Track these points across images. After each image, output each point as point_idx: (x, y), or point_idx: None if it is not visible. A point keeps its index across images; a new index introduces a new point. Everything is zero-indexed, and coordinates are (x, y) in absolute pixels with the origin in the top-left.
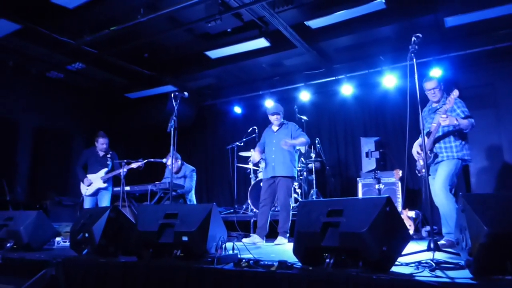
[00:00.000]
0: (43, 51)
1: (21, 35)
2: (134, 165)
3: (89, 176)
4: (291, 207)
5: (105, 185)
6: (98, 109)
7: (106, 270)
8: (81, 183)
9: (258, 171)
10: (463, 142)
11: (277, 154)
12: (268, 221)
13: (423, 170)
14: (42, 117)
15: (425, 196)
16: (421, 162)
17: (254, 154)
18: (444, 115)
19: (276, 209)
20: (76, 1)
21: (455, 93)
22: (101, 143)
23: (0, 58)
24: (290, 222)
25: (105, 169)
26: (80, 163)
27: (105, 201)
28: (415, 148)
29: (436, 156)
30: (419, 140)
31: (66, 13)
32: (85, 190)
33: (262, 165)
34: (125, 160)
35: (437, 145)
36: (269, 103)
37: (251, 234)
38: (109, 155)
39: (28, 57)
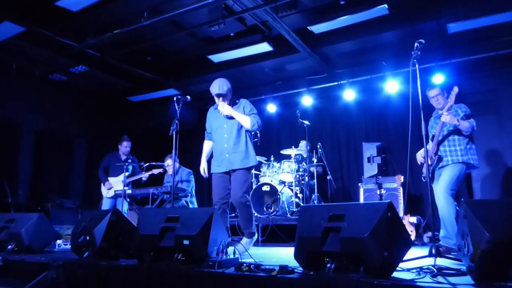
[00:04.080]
0: (46, 53)
1: (25, 38)
2: (155, 172)
3: (110, 180)
4: (249, 204)
5: (125, 188)
6: (101, 112)
7: (107, 273)
8: (102, 185)
9: (259, 175)
10: (468, 146)
11: (231, 143)
12: (228, 225)
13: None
14: (44, 119)
15: (428, 201)
16: None
17: (202, 163)
18: (446, 113)
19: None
20: (80, 4)
21: (455, 89)
22: (125, 146)
23: (4, 61)
24: (254, 219)
25: (126, 173)
26: (102, 166)
27: (123, 202)
28: (420, 153)
29: (440, 159)
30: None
31: (70, 16)
32: (106, 192)
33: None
34: (146, 165)
35: (441, 148)
36: (271, 107)
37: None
38: (130, 159)
39: (31, 59)
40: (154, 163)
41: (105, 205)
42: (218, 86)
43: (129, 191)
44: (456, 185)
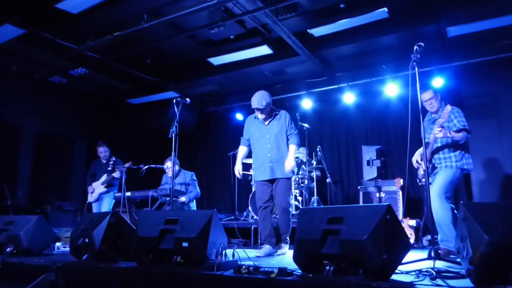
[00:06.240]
0: (46, 56)
1: (25, 40)
2: (126, 165)
3: (93, 184)
4: (290, 210)
5: (105, 189)
6: (100, 114)
7: (106, 276)
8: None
9: None
10: (463, 152)
11: (275, 152)
12: (273, 225)
13: (424, 180)
14: (44, 122)
15: (426, 205)
16: (421, 171)
17: (237, 165)
18: (439, 129)
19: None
20: (80, 6)
21: (448, 107)
22: (100, 152)
23: (4, 63)
24: (291, 226)
25: (106, 175)
26: (89, 174)
27: (105, 204)
28: (415, 157)
29: (434, 167)
30: (421, 149)
31: (70, 18)
32: (90, 197)
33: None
34: (126, 165)
35: (436, 155)
36: None
37: (261, 246)
38: (111, 162)
39: (31, 62)
40: (153, 166)
41: (94, 209)
42: (257, 100)
43: (128, 194)
44: (450, 189)
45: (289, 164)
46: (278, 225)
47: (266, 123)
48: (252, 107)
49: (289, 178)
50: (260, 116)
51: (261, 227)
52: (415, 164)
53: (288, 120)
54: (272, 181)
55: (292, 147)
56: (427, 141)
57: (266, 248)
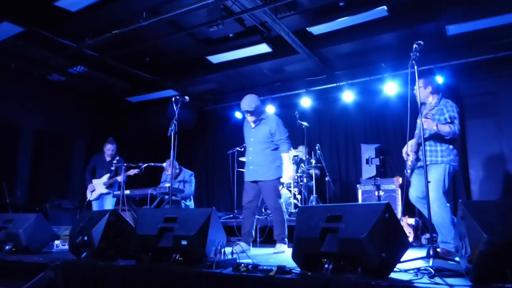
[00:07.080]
0: (45, 54)
1: (24, 38)
2: (131, 173)
3: (94, 182)
4: (284, 210)
5: (106, 190)
6: (99, 112)
7: (105, 274)
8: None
9: None
10: (451, 147)
11: (255, 156)
12: (254, 226)
13: (409, 171)
14: (43, 120)
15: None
16: (409, 163)
17: None
18: (424, 119)
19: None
20: (79, 4)
21: (430, 99)
22: (108, 149)
23: (2, 61)
24: (286, 225)
25: (108, 175)
26: (88, 169)
27: (108, 204)
28: (405, 149)
29: (418, 159)
30: (412, 141)
31: (69, 16)
32: (90, 194)
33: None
34: (125, 164)
35: (421, 147)
36: (270, 109)
37: (237, 243)
38: (115, 161)
39: (30, 60)
40: (152, 164)
41: (94, 207)
42: (247, 103)
43: (127, 192)
44: (444, 186)
45: (287, 173)
46: (273, 225)
47: (253, 126)
48: (242, 110)
49: (273, 180)
50: (250, 118)
51: (242, 226)
52: (404, 156)
53: (275, 126)
54: (256, 182)
55: (285, 156)
56: (417, 132)
57: (241, 245)
